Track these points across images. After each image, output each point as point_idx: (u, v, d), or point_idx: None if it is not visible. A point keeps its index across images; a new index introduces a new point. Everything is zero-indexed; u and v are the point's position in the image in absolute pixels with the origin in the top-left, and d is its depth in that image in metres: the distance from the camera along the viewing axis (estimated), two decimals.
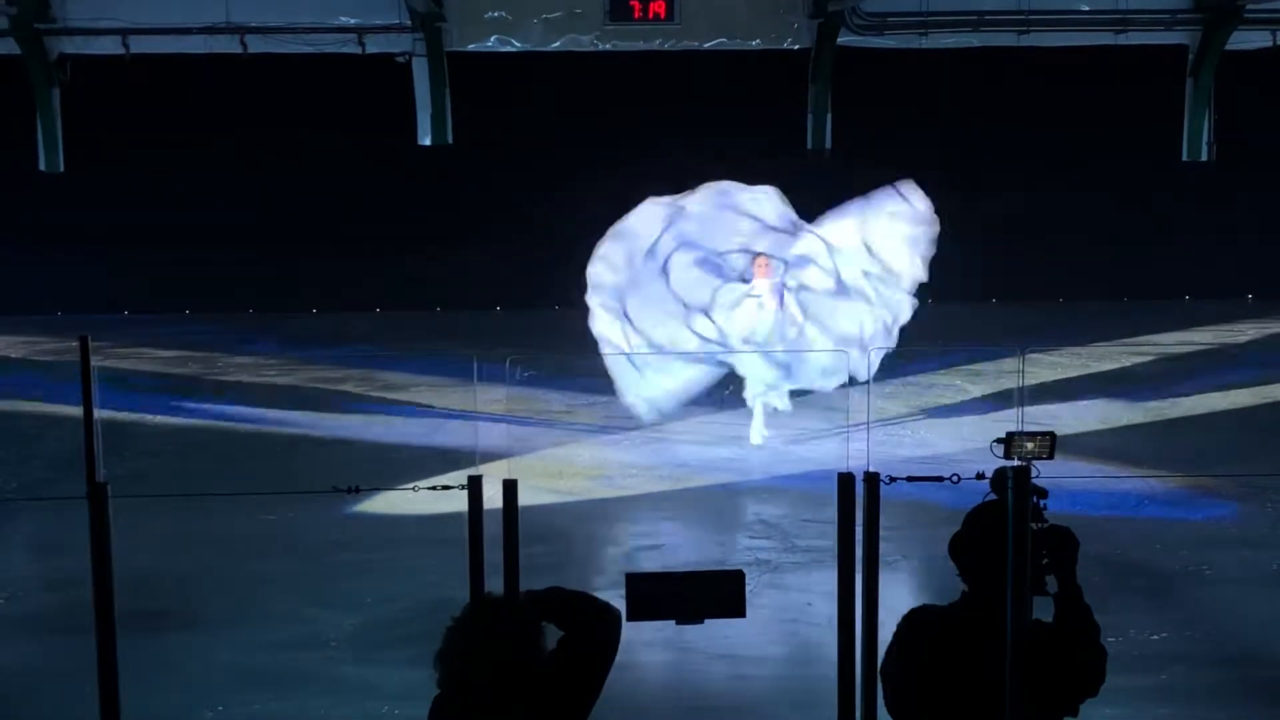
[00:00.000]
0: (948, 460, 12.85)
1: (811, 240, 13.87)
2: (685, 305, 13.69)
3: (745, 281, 13.76)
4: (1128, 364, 18.05)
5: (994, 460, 4.42)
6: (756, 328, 13.63)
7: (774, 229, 14.00)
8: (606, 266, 13.90)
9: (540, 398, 15.94)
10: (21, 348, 19.96)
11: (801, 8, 23.77)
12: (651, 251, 13.84)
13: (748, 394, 14.10)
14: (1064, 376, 17.16)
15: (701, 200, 14.20)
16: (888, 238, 13.86)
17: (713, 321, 13.65)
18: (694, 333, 13.64)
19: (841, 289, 13.77)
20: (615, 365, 13.68)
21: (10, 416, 15.83)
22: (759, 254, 13.78)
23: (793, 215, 14.17)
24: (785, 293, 13.71)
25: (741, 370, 13.97)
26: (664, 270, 13.77)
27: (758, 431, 14.12)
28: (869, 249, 13.88)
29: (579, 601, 4.26)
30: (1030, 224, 23.74)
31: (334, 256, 23.48)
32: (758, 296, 13.65)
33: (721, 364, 13.91)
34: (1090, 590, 4.38)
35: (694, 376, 13.94)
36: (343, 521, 10.99)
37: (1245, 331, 20.88)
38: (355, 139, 23.41)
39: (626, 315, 13.64)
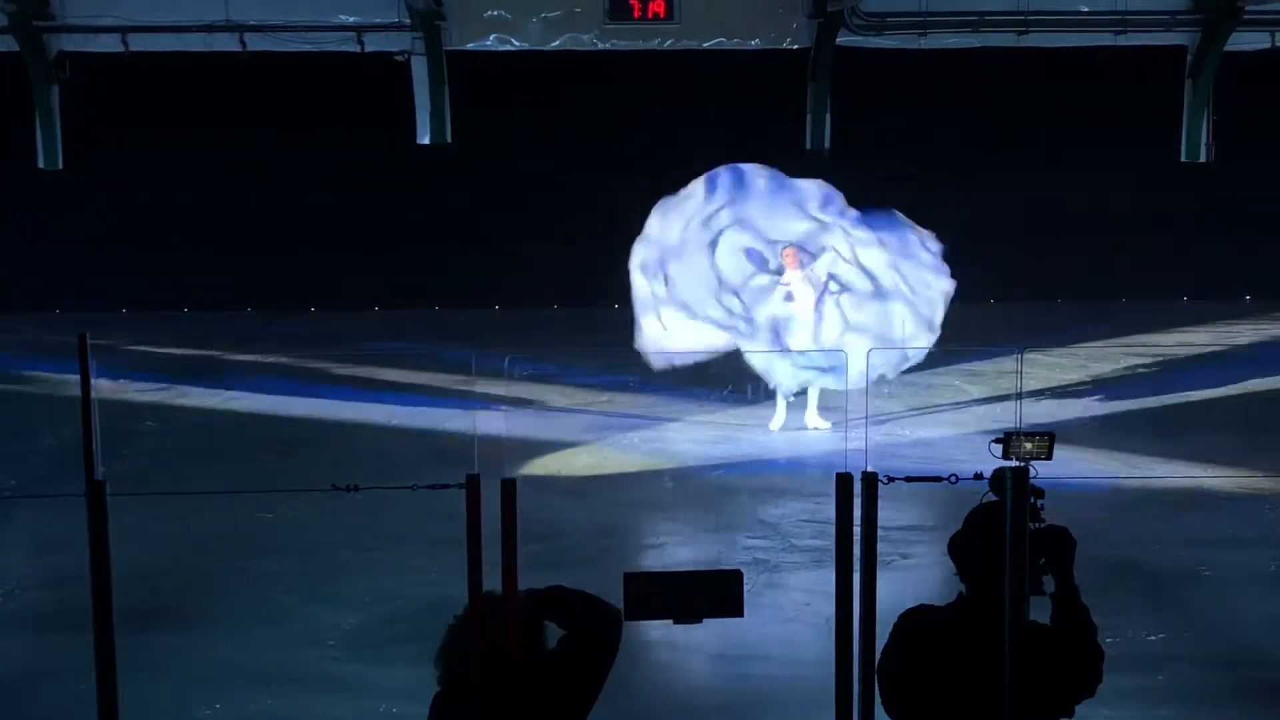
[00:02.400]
0: (946, 460, 12.87)
1: (839, 237, 13.98)
2: (720, 282, 13.81)
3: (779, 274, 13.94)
4: (1126, 364, 18.05)
5: (992, 460, 4.42)
6: (782, 320, 13.69)
7: (825, 224, 14.06)
8: (658, 223, 14.13)
9: (539, 395, 15.93)
10: (19, 346, 19.93)
11: (801, 7, 23.78)
12: (707, 222, 13.95)
13: (788, 384, 14.15)
14: (1062, 376, 17.16)
15: (762, 177, 14.19)
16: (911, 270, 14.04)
17: (741, 301, 13.76)
18: (721, 305, 13.79)
19: (879, 290, 13.86)
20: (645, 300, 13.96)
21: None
22: (788, 245, 13.92)
23: (841, 207, 14.24)
24: (826, 295, 13.83)
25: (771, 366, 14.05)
26: (712, 244, 13.90)
27: (813, 417, 14.31)
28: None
29: (580, 600, 4.26)
30: (1029, 224, 23.75)
31: (332, 255, 23.48)
32: (787, 285, 13.80)
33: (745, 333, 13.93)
34: (1087, 590, 4.39)
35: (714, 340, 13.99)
36: (341, 519, 10.98)
37: (1243, 332, 20.87)
38: (354, 138, 23.42)
39: (666, 276, 13.87)
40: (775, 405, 14.39)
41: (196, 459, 13.70)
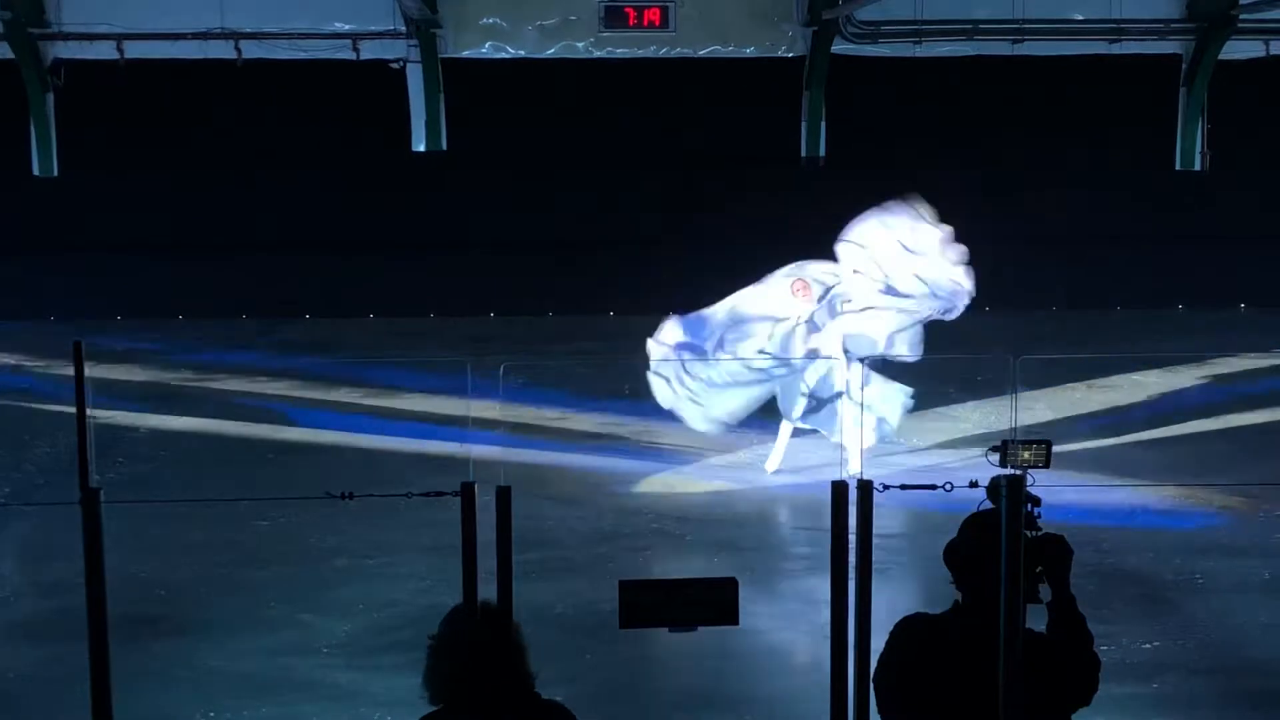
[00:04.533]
0: (942, 468, 12.88)
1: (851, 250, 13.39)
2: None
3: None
4: (1120, 372, 18.03)
5: (989, 468, 4.42)
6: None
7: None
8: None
9: (534, 406, 15.89)
10: (14, 353, 19.90)
11: (796, 16, 23.80)
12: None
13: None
14: (1058, 385, 17.15)
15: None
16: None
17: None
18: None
19: (891, 291, 13.49)
20: (671, 400, 13.27)
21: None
22: (796, 277, 13.37)
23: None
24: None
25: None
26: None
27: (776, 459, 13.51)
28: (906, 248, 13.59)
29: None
30: (1024, 232, 23.75)
31: (327, 262, 23.46)
32: (789, 319, 13.23)
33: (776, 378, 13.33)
34: (1083, 599, 4.39)
35: (757, 395, 13.42)
36: (335, 528, 10.97)
37: (1238, 340, 20.84)
38: (349, 145, 23.41)
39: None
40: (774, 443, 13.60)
41: (191, 467, 13.68)
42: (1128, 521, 11.47)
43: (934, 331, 14.13)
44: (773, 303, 13.38)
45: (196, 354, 19.81)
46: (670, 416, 13.42)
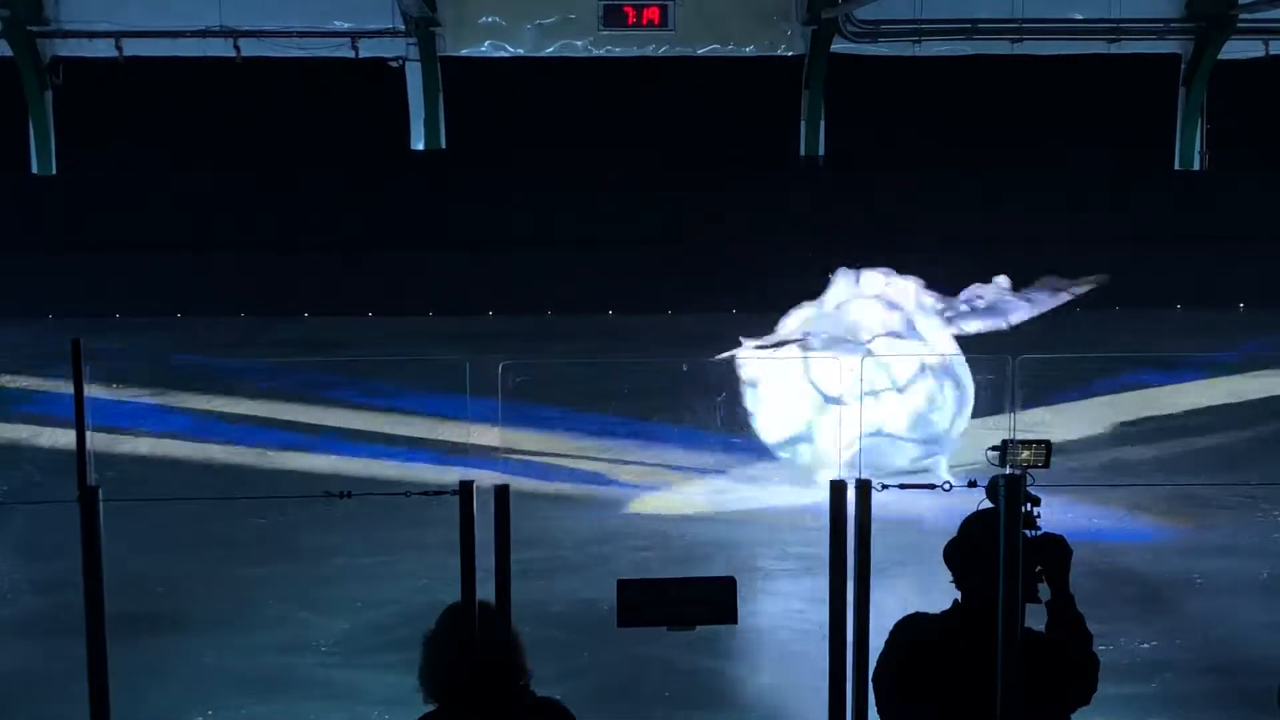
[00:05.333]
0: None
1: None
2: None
3: None
4: (1118, 373, 18.04)
5: (989, 468, 4.41)
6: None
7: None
8: None
9: (533, 408, 15.84)
10: (12, 351, 19.87)
11: (795, 15, 23.81)
12: None
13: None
14: (1056, 385, 17.15)
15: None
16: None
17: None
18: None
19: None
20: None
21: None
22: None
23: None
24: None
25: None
26: None
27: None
28: None
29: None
30: (1022, 232, 23.75)
31: (326, 260, 23.47)
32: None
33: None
34: (1081, 598, 4.38)
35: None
36: (333, 526, 10.97)
37: (1235, 341, 20.82)
38: (348, 143, 23.42)
39: None
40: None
41: (188, 467, 13.66)
42: (1126, 521, 11.47)
43: None
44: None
45: (192, 352, 19.80)
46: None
